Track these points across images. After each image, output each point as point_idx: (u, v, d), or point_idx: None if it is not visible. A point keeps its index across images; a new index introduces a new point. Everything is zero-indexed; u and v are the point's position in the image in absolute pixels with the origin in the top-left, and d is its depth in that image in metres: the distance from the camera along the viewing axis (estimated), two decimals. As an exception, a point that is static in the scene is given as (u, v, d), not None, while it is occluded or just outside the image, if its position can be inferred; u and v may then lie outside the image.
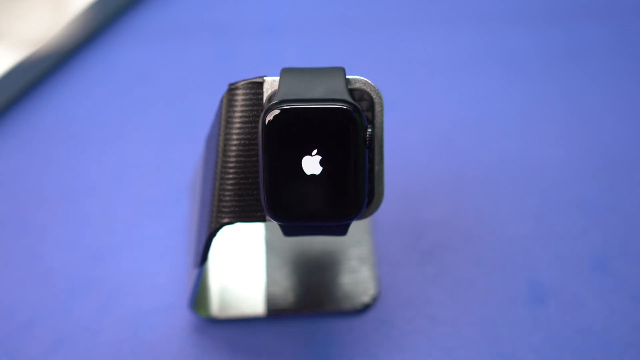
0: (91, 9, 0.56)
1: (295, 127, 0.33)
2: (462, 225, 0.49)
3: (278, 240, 0.48)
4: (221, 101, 0.36)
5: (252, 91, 0.35)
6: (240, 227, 0.49)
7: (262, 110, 0.35)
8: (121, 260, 0.47)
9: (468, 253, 0.48)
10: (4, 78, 0.52)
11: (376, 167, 0.35)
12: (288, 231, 0.36)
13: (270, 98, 0.35)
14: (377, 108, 0.35)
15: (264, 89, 0.35)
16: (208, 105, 0.53)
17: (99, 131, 0.54)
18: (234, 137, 0.35)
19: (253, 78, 0.36)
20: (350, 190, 0.33)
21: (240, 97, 0.36)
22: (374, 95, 0.35)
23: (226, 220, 0.36)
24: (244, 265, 0.48)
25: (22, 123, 0.54)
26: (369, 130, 0.34)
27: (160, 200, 0.50)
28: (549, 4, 0.60)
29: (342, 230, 0.36)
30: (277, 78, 0.35)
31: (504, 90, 0.55)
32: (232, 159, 0.35)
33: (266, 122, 0.33)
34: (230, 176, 0.36)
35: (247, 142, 0.35)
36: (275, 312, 0.46)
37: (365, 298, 0.46)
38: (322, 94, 0.33)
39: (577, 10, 0.60)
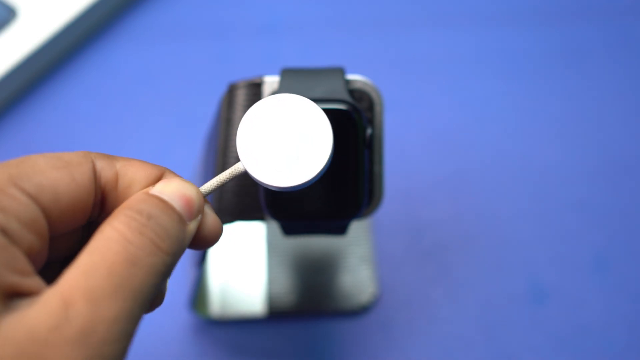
0: (91, 9, 0.56)
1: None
2: (462, 225, 0.49)
3: (279, 241, 0.48)
4: (221, 101, 0.36)
5: (252, 91, 0.35)
6: (241, 227, 0.49)
7: (262, 111, 0.35)
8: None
9: (468, 253, 0.48)
10: (5, 78, 0.52)
11: (376, 167, 0.35)
12: (288, 231, 0.36)
13: (270, 98, 0.35)
14: (377, 108, 0.35)
15: (264, 89, 0.35)
16: (208, 105, 0.53)
17: (98, 131, 0.54)
18: (234, 137, 0.35)
19: (253, 78, 0.36)
20: (350, 190, 0.33)
21: (240, 98, 0.35)
22: (373, 95, 0.35)
23: (226, 219, 0.36)
24: (245, 266, 0.47)
25: (22, 123, 0.54)
26: (369, 131, 0.33)
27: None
28: (548, 4, 0.60)
29: (341, 230, 0.36)
30: (277, 78, 0.35)
31: (503, 90, 0.55)
32: (232, 159, 0.35)
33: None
34: (230, 176, 0.36)
35: (247, 142, 0.35)
36: (276, 313, 0.46)
37: (365, 298, 0.46)
38: (321, 94, 0.33)
39: (576, 11, 0.60)
